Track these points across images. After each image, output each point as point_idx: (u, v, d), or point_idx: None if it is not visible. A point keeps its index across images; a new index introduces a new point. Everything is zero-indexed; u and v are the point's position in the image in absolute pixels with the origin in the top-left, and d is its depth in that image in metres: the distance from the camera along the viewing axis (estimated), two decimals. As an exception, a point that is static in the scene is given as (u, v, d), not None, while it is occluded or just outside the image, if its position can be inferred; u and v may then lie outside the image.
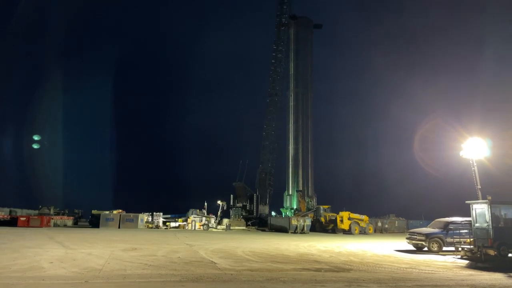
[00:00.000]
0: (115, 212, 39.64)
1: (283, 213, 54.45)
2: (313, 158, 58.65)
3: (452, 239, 19.90)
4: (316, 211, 44.94)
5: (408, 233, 22.62)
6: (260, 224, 46.62)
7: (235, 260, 14.41)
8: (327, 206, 44.44)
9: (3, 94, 77.93)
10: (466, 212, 18.14)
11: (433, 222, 22.87)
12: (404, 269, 13.47)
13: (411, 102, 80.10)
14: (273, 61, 59.11)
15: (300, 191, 54.75)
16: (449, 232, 20.59)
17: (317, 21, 64.70)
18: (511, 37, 69.48)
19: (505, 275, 12.92)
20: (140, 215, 39.43)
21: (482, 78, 69.50)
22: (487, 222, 16.29)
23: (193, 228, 39.40)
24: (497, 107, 60.41)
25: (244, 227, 44.52)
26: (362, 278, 11.19)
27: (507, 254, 15.98)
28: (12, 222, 35.93)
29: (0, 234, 24.48)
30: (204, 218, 41.38)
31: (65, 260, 13.00)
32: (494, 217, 16.26)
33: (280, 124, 59.18)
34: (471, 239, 17.37)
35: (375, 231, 42.72)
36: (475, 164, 18.22)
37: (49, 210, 41.42)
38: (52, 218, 38.15)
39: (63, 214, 43.35)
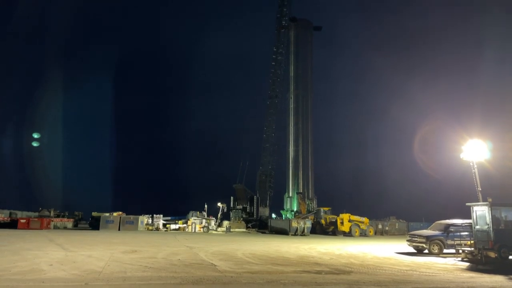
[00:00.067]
0: (115, 214, 39.58)
1: (284, 215, 54.39)
2: (313, 160, 58.72)
3: (453, 241, 19.85)
4: (317, 213, 44.90)
5: (408, 235, 22.57)
6: (260, 226, 46.57)
7: (235, 262, 14.39)
8: (327, 208, 44.38)
9: (3, 95, 78.13)
10: (467, 214, 18.11)
11: (433, 224, 22.84)
12: (405, 271, 13.44)
13: (411, 103, 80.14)
14: (273, 63, 59.19)
15: (301, 193, 54.73)
16: (450, 234, 20.54)
17: (317, 23, 65.02)
18: (511, 38, 69.52)
19: (506, 277, 12.90)
20: (140, 217, 39.38)
21: (483, 80, 69.55)
22: (488, 224, 16.27)
23: (193, 230, 39.37)
24: (497, 109, 60.48)
25: (244, 229, 44.48)
26: (362, 280, 11.17)
27: (508, 256, 15.96)
28: (12, 224, 35.94)
29: (0, 236, 24.48)
30: (204, 220, 41.35)
31: (65, 262, 12.99)
32: (494, 219, 16.25)
33: (281, 126, 59.34)
34: (472, 241, 17.35)
35: (375, 233, 42.66)
36: (475, 166, 18.23)
37: (49, 212, 41.43)
38: (52, 220, 38.15)
39: (63, 216, 43.30)
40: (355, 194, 74.20)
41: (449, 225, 21.13)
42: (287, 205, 56.81)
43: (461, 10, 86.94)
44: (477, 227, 16.97)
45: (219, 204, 45.97)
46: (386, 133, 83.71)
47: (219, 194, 56.98)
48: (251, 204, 51.43)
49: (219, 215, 45.28)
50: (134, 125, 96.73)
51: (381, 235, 43.48)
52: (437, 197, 62.48)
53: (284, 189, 58.62)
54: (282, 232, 37.86)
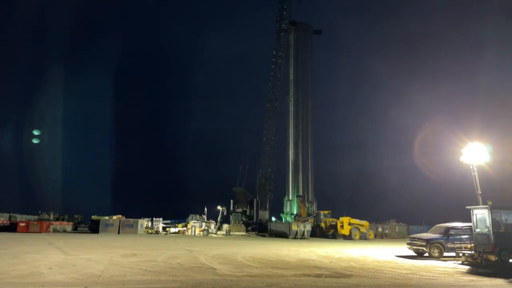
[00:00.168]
0: (114, 217, 39.52)
1: (283, 219, 54.29)
2: (313, 163, 58.65)
3: (453, 245, 19.79)
4: (316, 217, 44.80)
5: (408, 239, 22.54)
6: (260, 229, 46.46)
7: (235, 266, 14.35)
8: (327, 212, 44.31)
9: (2, 96, 78.20)
10: (467, 217, 18.08)
11: (433, 227, 22.81)
12: (405, 274, 13.41)
13: (411, 106, 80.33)
14: (273, 66, 59.36)
15: (300, 196, 54.65)
16: (450, 237, 20.50)
17: (317, 26, 65.33)
18: (511, 42, 69.75)
19: (506, 280, 12.87)
20: (140, 221, 39.34)
21: (482, 83, 69.76)
22: (488, 228, 16.25)
23: (193, 234, 39.30)
24: (497, 112, 60.60)
25: (244, 233, 44.37)
26: (362, 284, 11.14)
27: (508, 260, 15.93)
28: (11, 227, 35.90)
29: (0, 239, 24.41)
30: (204, 224, 41.28)
31: (64, 266, 12.95)
32: (494, 223, 16.23)
33: (280, 129, 59.38)
34: (472, 245, 17.32)
35: (375, 236, 42.59)
36: (475, 169, 18.21)
37: (49, 215, 41.35)
38: (52, 224, 38.06)
39: (62, 220, 43.21)
40: (355, 197, 74.26)
41: (449, 228, 21.11)
42: (287, 208, 56.71)
43: (461, 14, 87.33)
44: (477, 230, 16.94)
45: (219, 207, 45.93)
46: (386, 136, 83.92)
47: (219, 195, 57.09)
48: (251, 207, 51.35)
49: (219, 218, 45.22)
50: (134, 128, 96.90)
51: (381, 238, 43.40)
52: (437, 200, 62.56)
53: (284, 192, 58.55)
54: (282, 235, 37.80)
